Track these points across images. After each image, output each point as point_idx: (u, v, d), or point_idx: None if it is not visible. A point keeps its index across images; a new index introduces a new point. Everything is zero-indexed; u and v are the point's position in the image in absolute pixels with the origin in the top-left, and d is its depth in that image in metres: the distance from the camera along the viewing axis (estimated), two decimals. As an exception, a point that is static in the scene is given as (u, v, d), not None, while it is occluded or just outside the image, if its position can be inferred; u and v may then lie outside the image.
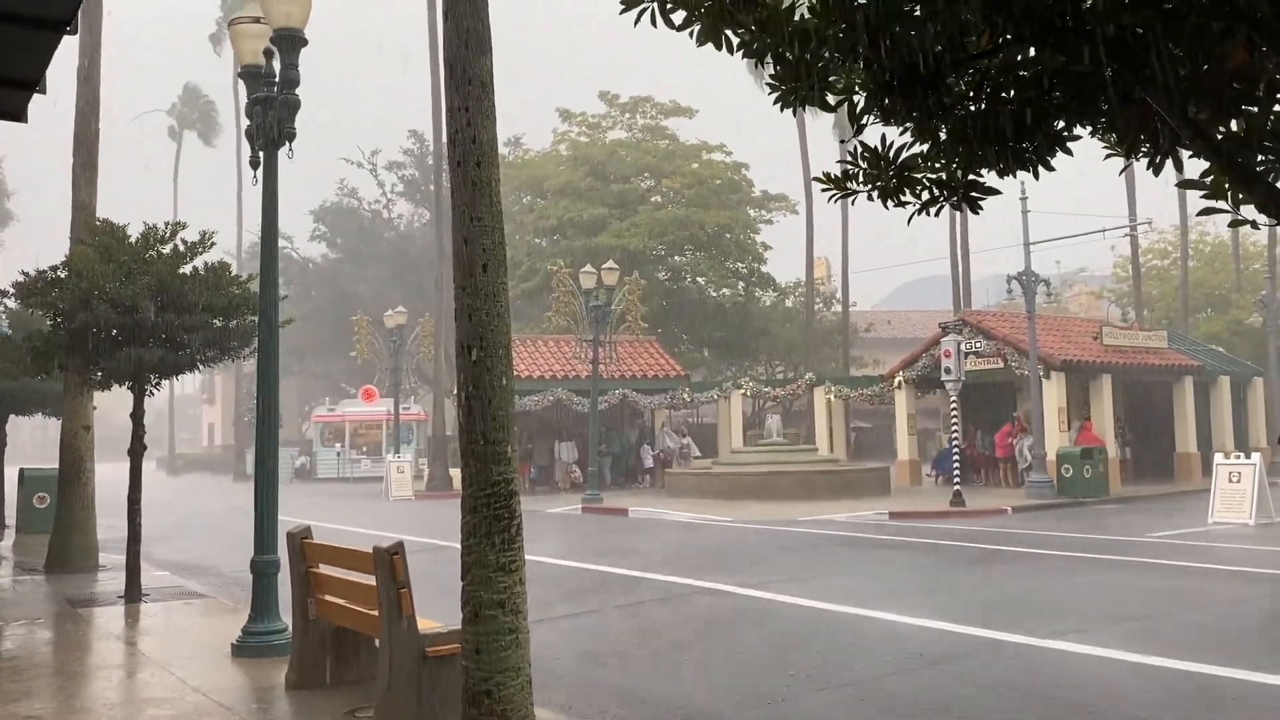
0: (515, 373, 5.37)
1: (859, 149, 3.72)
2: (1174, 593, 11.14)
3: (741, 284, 41.60)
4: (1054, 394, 25.43)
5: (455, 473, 30.42)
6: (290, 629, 7.45)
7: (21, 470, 19.20)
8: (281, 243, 37.25)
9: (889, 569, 13.63)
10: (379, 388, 41.81)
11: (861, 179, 3.72)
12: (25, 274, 10.86)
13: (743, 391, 33.59)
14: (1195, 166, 3.79)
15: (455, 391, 4.98)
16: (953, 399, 22.35)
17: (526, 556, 4.93)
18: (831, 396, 32.41)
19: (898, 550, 15.31)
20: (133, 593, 10.95)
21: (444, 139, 33.64)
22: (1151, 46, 3.18)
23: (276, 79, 8.38)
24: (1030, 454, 24.17)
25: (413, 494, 31.35)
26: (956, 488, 21.52)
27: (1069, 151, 3.89)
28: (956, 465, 22.20)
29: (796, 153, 42.10)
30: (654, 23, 3.51)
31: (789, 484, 24.42)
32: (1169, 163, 3.89)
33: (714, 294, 40.36)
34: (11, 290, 11.18)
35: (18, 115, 4.42)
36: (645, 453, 31.47)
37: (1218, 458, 19.11)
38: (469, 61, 4.92)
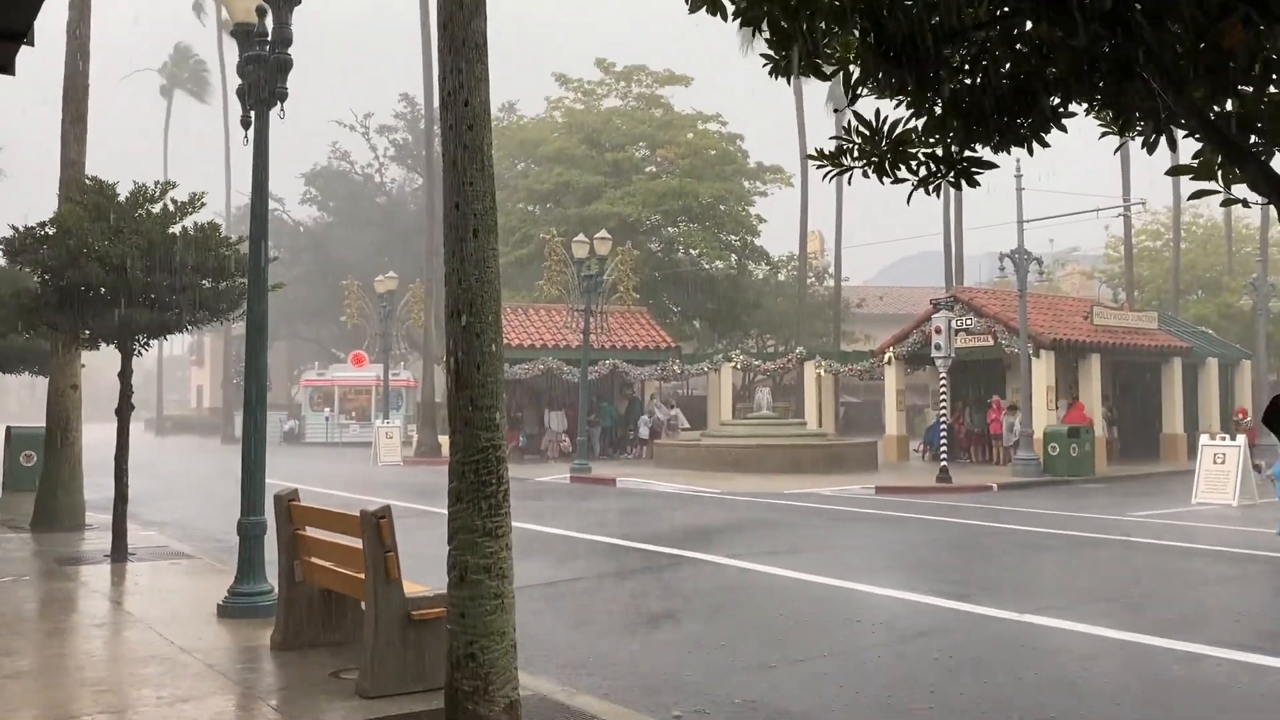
0: (505, 341, 5.36)
1: (853, 122, 3.70)
2: (1156, 571, 11.25)
3: (734, 256, 41.53)
4: (1043, 372, 25.52)
5: (444, 439, 30.44)
6: (276, 591, 7.48)
7: (8, 428, 19.13)
8: (272, 205, 37.03)
9: (873, 543, 13.73)
10: (369, 353, 41.71)
11: (856, 154, 3.70)
12: (15, 229, 10.78)
13: (733, 364, 33.63)
14: (1189, 147, 3.79)
15: (445, 357, 4.97)
16: (942, 375, 22.41)
17: (513, 524, 4.94)
18: (821, 371, 32.47)
19: (882, 525, 15.41)
20: (119, 552, 10.96)
21: (435, 102, 33.13)
22: (1149, 22, 3.17)
23: (269, 37, 8.29)
24: (1019, 430, 24.27)
25: (401, 460, 31.39)
26: (943, 464, 21.63)
27: (1064, 128, 3.88)
28: (944, 442, 22.30)
29: (792, 125, 41.97)
30: (649, -13, 3.48)
31: (777, 457, 24.51)
32: (1163, 142, 3.89)
33: (706, 266, 40.30)
34: (0, 246, 11.09)
35: (5, 67, 4.37)
36: (643, 424, 31.49)
37: (1203, 439, 19.24)
38: (463, 23, 4.87)
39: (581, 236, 27.51)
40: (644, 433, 31.49)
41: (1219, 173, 3.50)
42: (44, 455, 14.45)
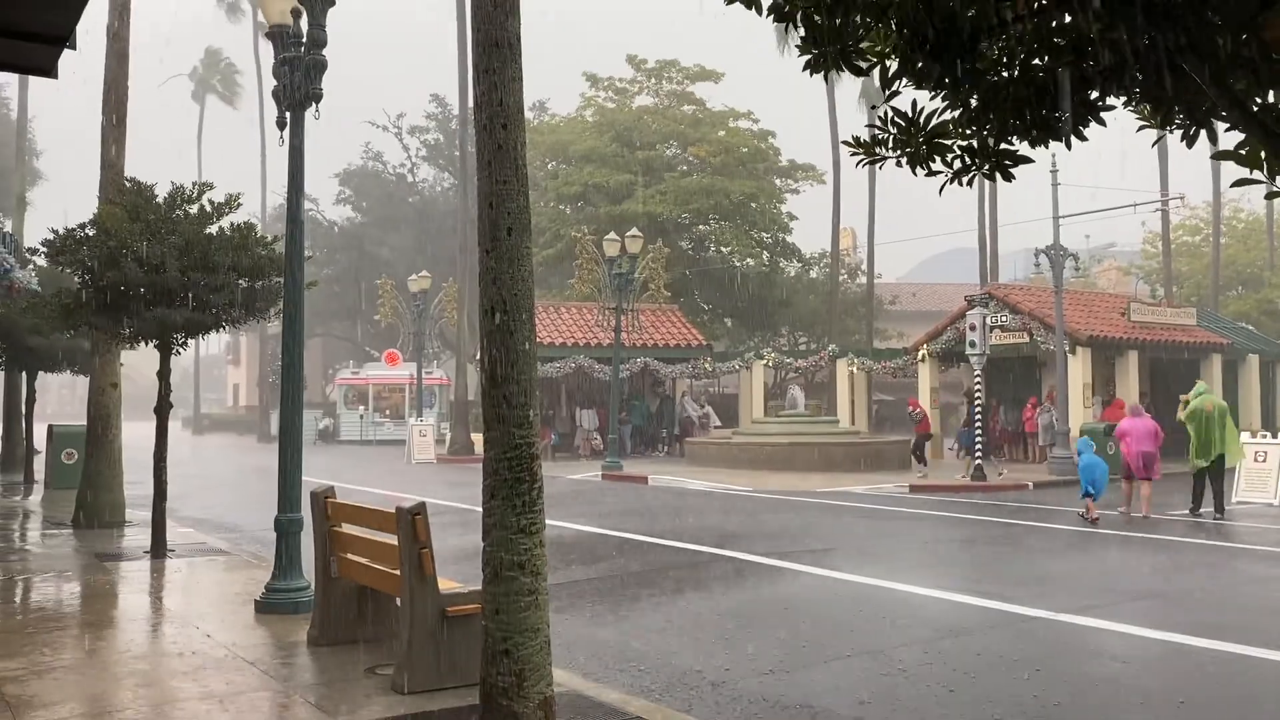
0: (537, 339, 5.37)
1: (889, 114, 3.68)
2: (1196, 571, 11.09)
3: (766, 254, 41.39)
4: (1079, 369, 25.25)
5: (477, 437, 30.63)
6: (313, 586, 7.55)
7: (51, 426, 19.50)
8: (306, 205, 37.47)
9: (907, 541, 13.64)
10: (402, 351, 42.00)
11: (891, 144, 3.68)
12: (55, 232, 10.95)
13: (765, 362, 33.52)
14: (1229, 140, 3.74)
15: (478, 355, 4.99)
16: (976, 373, 22.21)
17: (546, 521, 4.96)
18: (854, 368, 32.30)
19: (917, 523, 15.31)
20: (158, 548, 11.11)
21: (469, 102, 33.41)
22: (1190, 13, 3.12)
23: (304, 39, 8.37)
24: (1056, 427, 24.02)
25: (434, 457, 31.58)
26: (978, 462, 21.45)
27: (1102, 122, 3.83)
28: (979, 439, 22.11)
29: (823, 122, 41.75)
30: (684, -16, 3.47)
31: (809, 455, 24.42)
32: (1203, 135, 3.83)
33: (738, 264, 40.21)
34: (41, 248, 11.28)
35: (48, 70, 4.44)
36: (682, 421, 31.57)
37: (1244, 436, 18.94)
38: (497, 23, 4.89)
39: (613, 235, 27.54)
40: (678, 429, 31.54)
41: (1264, 163, 3.45)
42: (85, 453, 14.69)
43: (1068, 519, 15.29)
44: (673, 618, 8.59)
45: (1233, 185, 3.60)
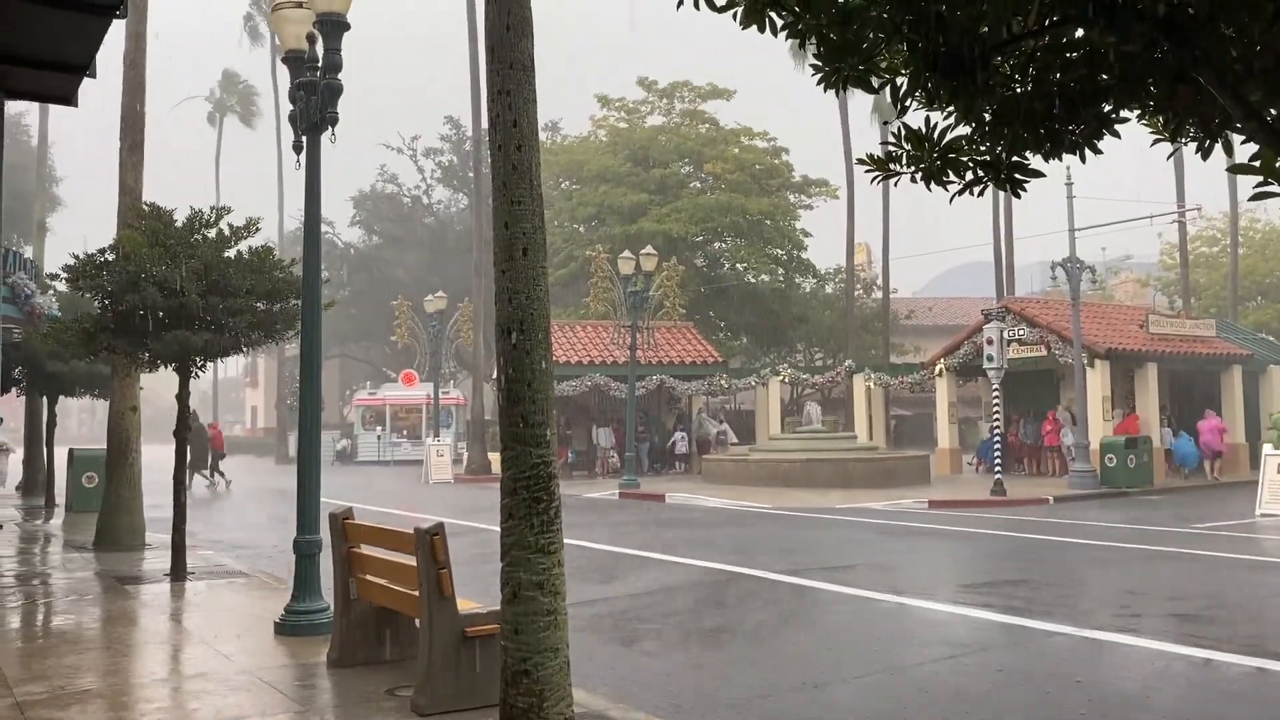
0: (553, 358, 5.37)
1: (902, 131, 3.68)
2: (1221, 585, 10.98)
3: (780, 270, 41.40)
4: (1098, 382, 25.09)
5: (494, 457, 30.66)
6: (332, 608, 7.56)
7: (71, 450, 19.62)
8: (323, 228, 37.70)
9: (927, 557, 13.55)
10: (419, 372, 42.13)
11: (904, 161, 3.69)
12: (75, 257, 11.05)
13: (781, 378, 33.46)
14: (1245, 152, 3.72)
15: (495, 375, 5.01)
16: (995, 387, 22.11)
17: (564, 540, 4.96)
18: (871, 384, 32.20)
19: (937, 539, 15.22)
20: (178, 571, 11.14)
21: (483, 124, 33.79)
22: (1204, 25, 3.12)
23: (319, 64, 8.44)
24: (1075, 441, 23.88)
25: (452, 477, 31.62)
26: (998, 477, 21.33)
27: (1116, 134, 3.83)
28: (998, 454, 21.99)
29: (836, 137, 41.76)
30: (696, 5, 3.49)
31: (827, 471, 24.33)
32: (1218, 146, 3.82)
33: (752, 280, 40.20)
34: (62, 273, 11.38)
35: (69, 99, 4.50)
36: (680, 440, 31.42)
37: (1266, 449, 18.76)
38: (511, 45, 4.92)
39: (627, 253, 27.61)
40: (680, 448, 31.43)
41: (1280, 176, 3.43)
42: (105, 476, 14.76)
43: (1089, 533, 15.17)
44: (693, 636, 8.56)
45: (1251, 198, 3.58)
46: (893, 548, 14.28)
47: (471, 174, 40.20)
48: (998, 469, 21.62)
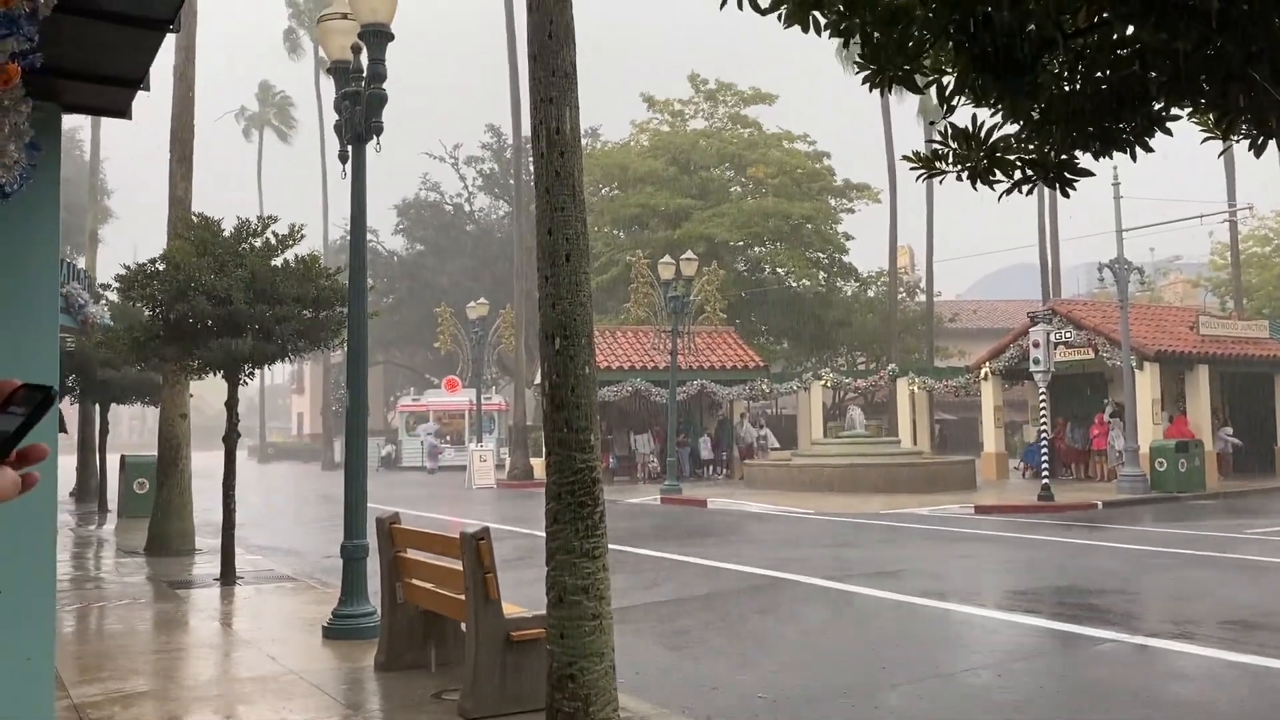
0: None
1: (948, 129, 3.65)
2: (1277, 591, 10.74)
3: (822, 274, 41.21)
4: (1147, 385, 24.67)
5: (536, 462, 30.78)
6: (379, 612, 7.63)
7: (123, 457, 19.99)
8: (368, 236, 38.13)
9: (975, 563, 13.40)
10: (461, 378, 42.42)
11: (951, 159, 3.65)
12: (126, 267, 11.27)
13: (823, 383, 33.27)
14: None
15: (539, 380, 5.03)
16: (1041, 390, 21.81)
17: (608, 544, 4.96)
18: (915, 388, 31.90)
19: (983, 544, 15.04)
20: (227, 575, 11.32)
21: (523, 131, 34.06)
22: (1258, 21, 3.06)
23: (364, 74, 8.54)
24: (1124, 445, 23.49)
25: (494, 482, 31.77)
26: (1045, 482, 21.04)
27: (1168, 132, 3.76)
28: (1045, 458, 21.69)
29: (878, 141, 41.52)
30: (740, 6, 3.49)
31: (871, 477, 24.13)
32: (1272, 144, 3.74)
33: (794, 285, 40.04)
34: (114, 283, 11.61)
35: (123, 111, 4.59)
36: (703, 445, 31.39)
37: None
38: (554, 52, 4.95)
39: (667, 258, 27.61)
40: (705, 453, 31.38)
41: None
42: (156, 483, 15.02)
43: (1138, 538, 14.91)
44: (738, 642, 8.53)
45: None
46: (939, 553, 14.13)
47: (512, 181, 40.41)
48: (1045, 474, 21.32)
